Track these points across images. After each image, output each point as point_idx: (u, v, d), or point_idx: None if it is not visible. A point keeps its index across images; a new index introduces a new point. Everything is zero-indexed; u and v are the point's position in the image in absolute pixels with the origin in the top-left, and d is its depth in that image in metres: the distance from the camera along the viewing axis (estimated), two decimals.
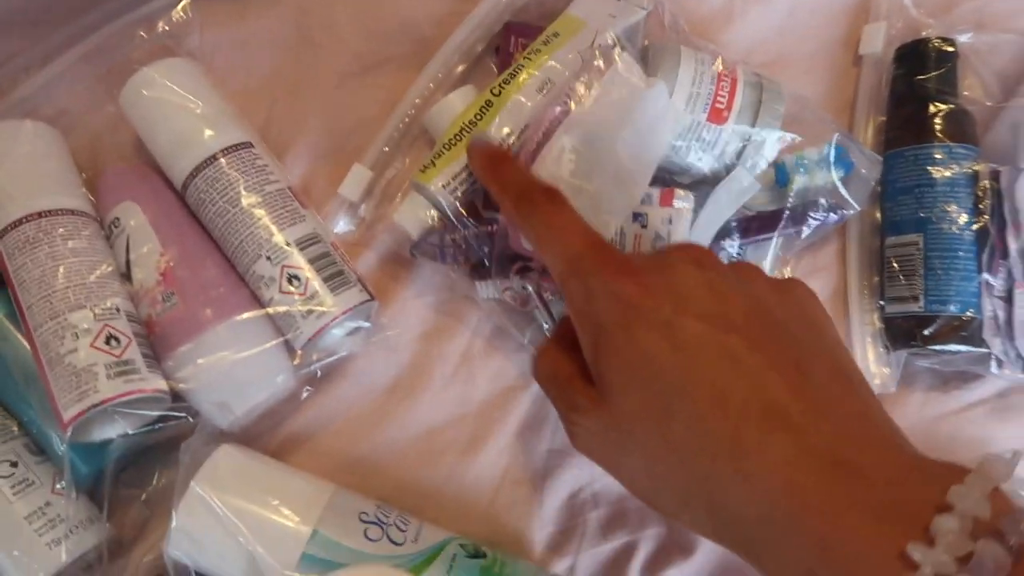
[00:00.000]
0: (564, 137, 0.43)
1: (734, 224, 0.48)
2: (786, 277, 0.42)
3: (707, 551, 0.47)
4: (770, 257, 0.49)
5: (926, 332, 0.46)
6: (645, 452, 0.31)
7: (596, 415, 0.32)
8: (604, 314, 0.32)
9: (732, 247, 0.47)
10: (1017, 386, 0.49)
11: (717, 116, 0.45)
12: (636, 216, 0.45)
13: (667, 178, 0.48)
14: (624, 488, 0.34)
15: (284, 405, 0.46)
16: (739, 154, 0.46)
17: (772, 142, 0.46)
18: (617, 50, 0.43)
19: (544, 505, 0.46)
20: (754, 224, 0.48)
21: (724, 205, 0.46)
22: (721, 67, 0.45)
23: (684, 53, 0.45)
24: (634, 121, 0.43)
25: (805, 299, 0.35)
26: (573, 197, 0.37)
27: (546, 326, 0.45)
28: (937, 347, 0.47)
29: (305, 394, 0.46)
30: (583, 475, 0.47)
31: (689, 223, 0.45)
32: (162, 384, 0.41)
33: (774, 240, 0.48)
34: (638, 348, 0.30)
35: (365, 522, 0.42)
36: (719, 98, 0.45)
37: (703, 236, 0.45)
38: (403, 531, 0.42)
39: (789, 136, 0.46)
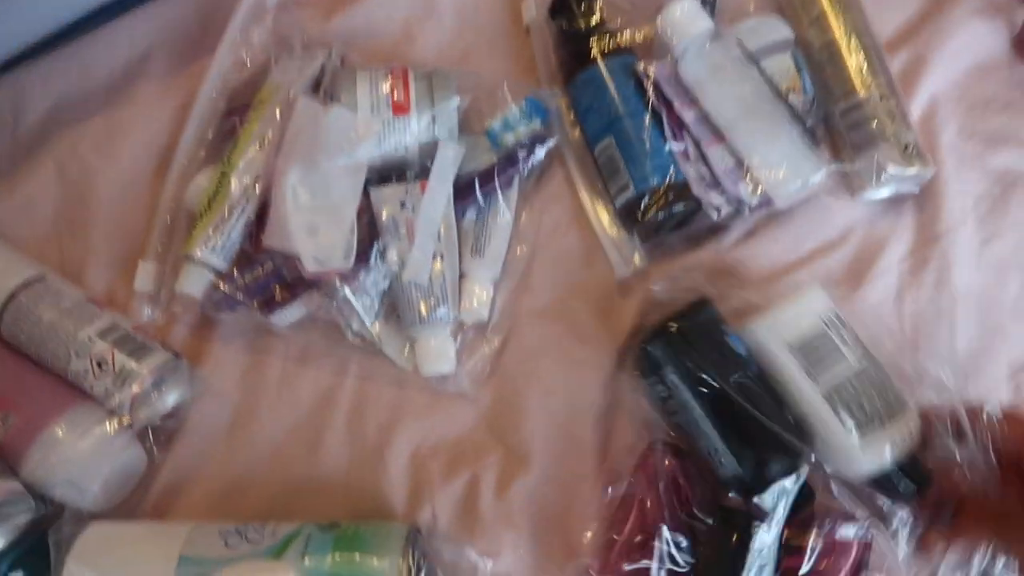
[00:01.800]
0: (287, 176, 0.52)
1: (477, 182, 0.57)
2: None
3: (541, 460, 0.53)
4: (514, 199, 0.58)
5: (643, 206, 0.54)
6: None
7: None
8: None
9: None
10: (758, 223, 0.58)
11: (400, 109, 0.54)
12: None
13: (396, 173, 0.57)
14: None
15: (145, 473, 0.53)
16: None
17: (450, 111, 0.55)
18: (294, 93, 0.53)
19: (390, 471, 0.54)
20: (480, 180, 0.57)
21: (444, 174, 0.55)
22: (391, 74, 0.55)
23: (359, 74, 0.55)
24: (329, 141, 0.53)
25: None
26: (310, 224, 0.48)
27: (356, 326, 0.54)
28: (660, 215, 0.54)
29: (158, 458, 0.53)
30: (415, 435, 0.54)
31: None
32: (14, 485, 0.48)
33: (502, 186, 0.57)
34: None
35: (227, 535, 0.49)
36: (396, 95, 0.54)
37: (435, 202, 0.54)
38: (260, 532, 0.49)
39: (461, 102, 0.55)
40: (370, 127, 0.54)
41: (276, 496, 0.54)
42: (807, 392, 0.48)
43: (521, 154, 0.58)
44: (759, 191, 0.56)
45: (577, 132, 0.60)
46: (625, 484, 0.52)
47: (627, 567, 0.49)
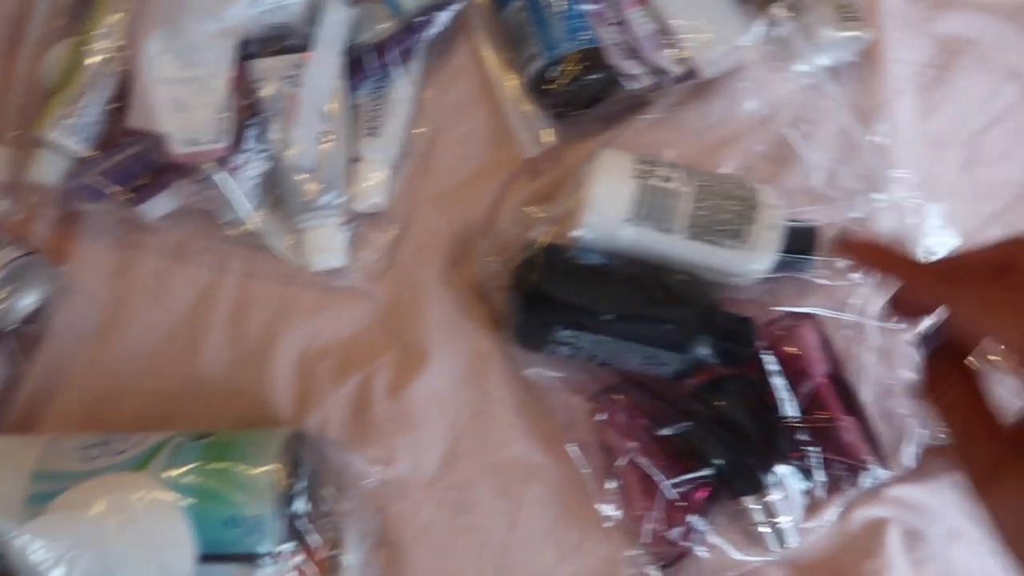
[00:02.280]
0: (147, 42, 0.47)
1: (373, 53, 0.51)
2: None
3: (441, 359, 0.49)
4: (416, 73, 0.52)
5: (552, 76, 0.49)
6: None
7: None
8: None
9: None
10: (682, 97, 0.52)
11: None
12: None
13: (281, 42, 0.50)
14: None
15: (7, 383, 0.48)
16: None
17: None
18: None
19: (277, 374, 0.49)
20: (377, 51, 0.51)
21: (331, 42, 0.49)
22: None
23: None
24: (194, 1, 0.46)
25: None
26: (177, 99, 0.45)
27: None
28: (572, 85, 0.49)
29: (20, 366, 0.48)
30: (304, 335, 0.50)
31: None
32: None
33: (402, 58, 0.51)
34: None
35: (87, 448, 0.44)
36: None
37: (322, 74, 0.49)
38: (124, 443, 0.44)
39: None
40: None
41: (152, 404, 0.49)
42: (675, 246, 0.46)
43: (423, 20, 0.51)
44: (683, 60, 0.51)
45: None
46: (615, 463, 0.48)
47: (674, 530, 0.47)
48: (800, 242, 0.48)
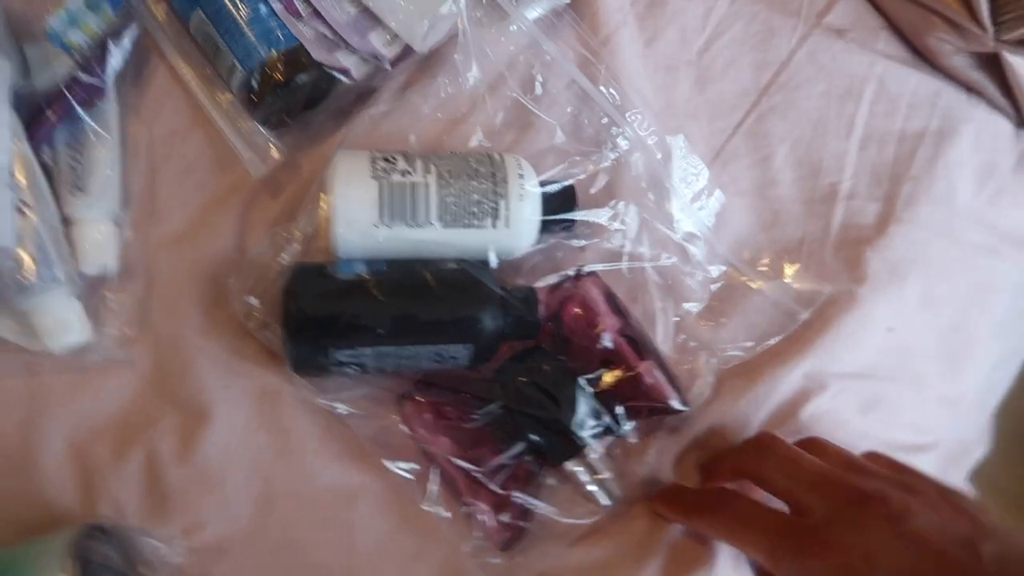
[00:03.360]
0: None
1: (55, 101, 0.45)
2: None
3: (224, 408, 0.47)
4: (113, 111, 0.48)
5: (256, 87, 0.45)
6: None
7: None
8: None
9: None
10: (411, 75, 0.51)
11: None
12: None
13: None
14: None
15: None
16: None
17: None
18: None
19: (47, 472, 0.46)
20: (50, 101, 0.46)
21: None
22: None
23: None
24: None
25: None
26: None
27: None
28: (279, 93, 0.46)
29: None
30: (67, 423, 0.46)
31: None
32: None
33: (87, 100, 0.46)
34: None
35: None
36: None
37: None
38: None
39: None
40: None
41: None
42: (433, 238, 0.45)
43: (100, 53, 0.46)
44: (393, 39, 0.48)
45: (164, 9, 0.49)
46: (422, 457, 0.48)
47: (504, 515, 0.47)
48: (558, 204, 0.48)
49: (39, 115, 0.46)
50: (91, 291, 0.47)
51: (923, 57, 0.59)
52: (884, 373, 0.54)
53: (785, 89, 0.56)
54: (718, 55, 0.56)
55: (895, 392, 0.54)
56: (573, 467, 0.47)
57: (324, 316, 0.44)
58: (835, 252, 0.55)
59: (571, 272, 0.50)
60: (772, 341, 0.52)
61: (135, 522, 0.46)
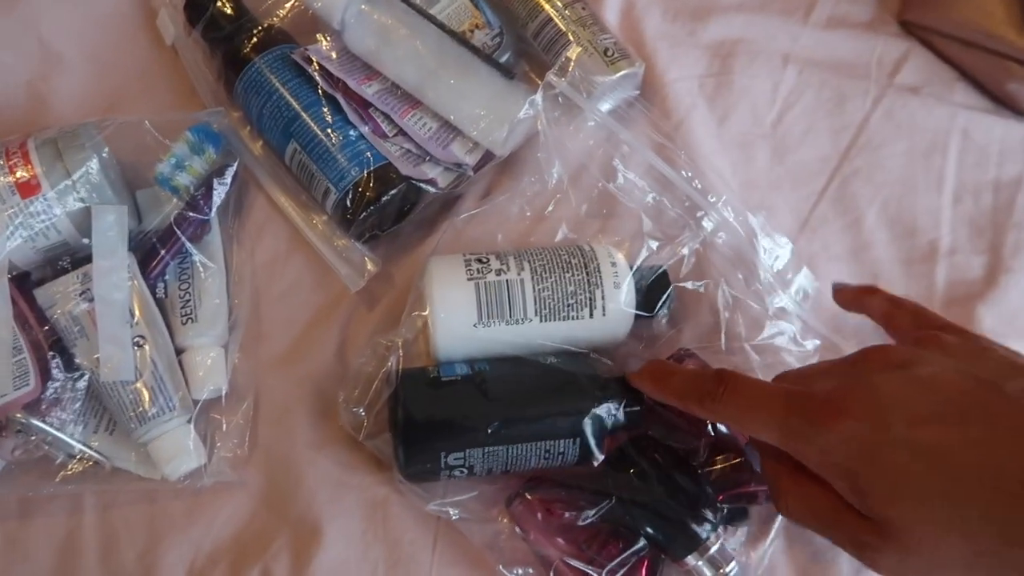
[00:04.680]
0: None
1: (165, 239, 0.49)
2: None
3: (336, 523, 0.47)
4: (218, 244, 0.51)
5: (350, 206, 0.48)
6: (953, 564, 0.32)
7: (891, 549, 0.34)
8: (848, 460, 0.34)
9: None
10: (492, 180, 0.54)
11: (28, 189, 0.45)
12: None
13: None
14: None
15: None
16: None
17: (93, 171, 0.46)
18: None
19: None
20: (161, 239, 0.49)
21: (108, 245, 0.47)
22: (5, 152, 0.46)
23: None
24: None
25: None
26: None
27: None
28: (371, 209, 0.48)
29: None
30: (185, 549, 0.48)
31: None
32: None
33: (194, 235, 0.49)
34: (896, 478, 0.32)
35: None
36: (18, 174, 0.45)
37: (110, 280, 0.46)
38: None
39: (107, 155, 0.48)
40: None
41: None
42: (532, 333, 0.46)
43: (204, 191, 0.50)
44: (474, 147, 0.50)
45: (260, 144, 0.52)
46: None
47: None
48: (653, 289, 0.48)
49: (152, 253, 0.49)
50: (203, 415, 0.49)
51: (1005, 104, 0.58)
52: None
53: (866, 151, 0.56)
54: (793, 125, 0.56)
55: None
56: (695, 561, 0.45)
57: (433, 420, 0.44)
58: (944, 312, 0.52)
59: (673, 355, 0.49)
60: None
61: None
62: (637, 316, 0.48)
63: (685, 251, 0.51)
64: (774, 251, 0.51)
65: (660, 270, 0.49)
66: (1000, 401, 0.33)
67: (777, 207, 0.54)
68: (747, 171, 0.55)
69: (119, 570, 0.47)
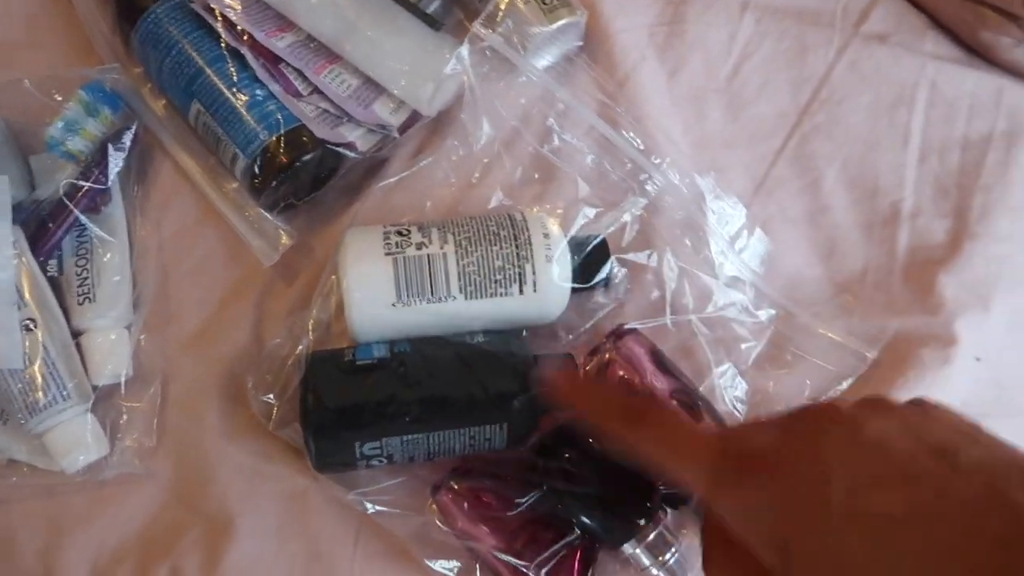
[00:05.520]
0: None
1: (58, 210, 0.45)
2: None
3: (251, 517, 0.44)
4: (120, 215, 0.47)
5: (259, 173, 0.44)
6: None
7: None
8: (779, 525, 0.29)
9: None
10: (422, 141, 0.49)
11: None
12: None
13: None
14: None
15: None
16: None
17: None
18: None
19: None
20: (52, 213, 0.45)
21: None
22: None
23: None
24: None
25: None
26: None
27: None
28: (283, 177, 0.44)
29: None
30: (89, 545, 0.44)
31: None
32: None
33: (90, 207, 0.45)
34: (832, 552, 0.28)
35: None
36: None
37: None
38: None
39: None
40: None
41: None
42: (457, 312, 0.42)
43: (102, 157, 0.45)
44: (399, 106, 0.46)
45: (163, 104, 0.48)
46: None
47: None
48: (590, 261, 0.45)
49: (43, 227, 0.45)
50: (105, 402, 0.45)
51: (978, 54, 0.54)
52: (977, 409, 0.47)
53: (828, 105, 0.52)
54: (749, 78, 0.52)
55: (994, 428, 0.48)
56: (632, 549, 0.43)
57: (345, 407, 0.41)
58: (904, 279, 0.50)
59: (612, 332, 0.46)
60: (843, 385, 0.47)
61: None
62: (574, 290, 0.44)
63: (627, 218, 0.47)
64: (725, 214, 0.48)
65: (599, 239, 0.45)
66: (951, 472, 0.29)
67: (731, 167, 0.51)
68: (699, 128, 0.51)
69: (18, 568, 0.44)
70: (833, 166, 0.51)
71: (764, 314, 0.47)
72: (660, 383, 0.45)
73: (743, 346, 0.47)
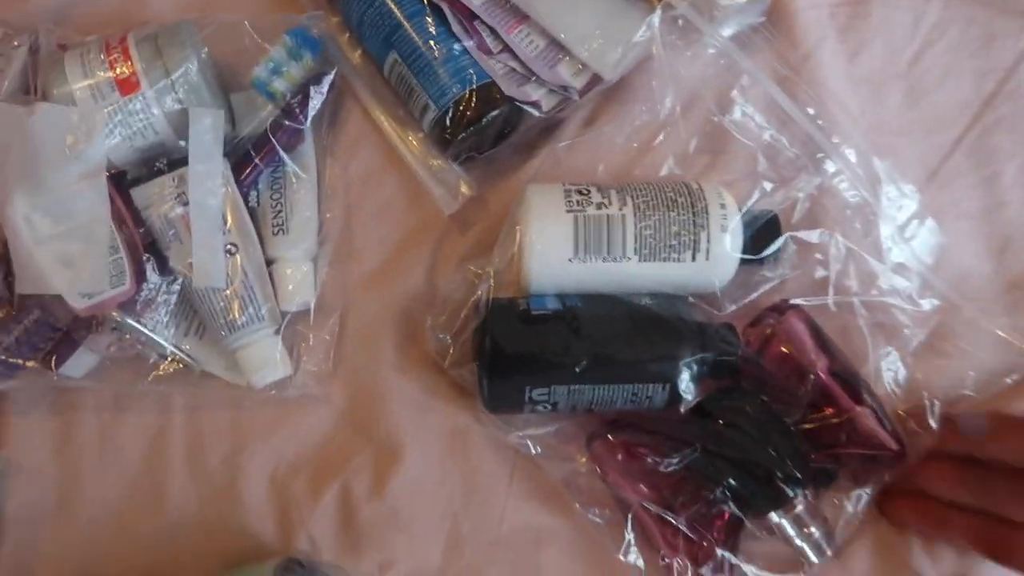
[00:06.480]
0: (13, 207, 0.43)
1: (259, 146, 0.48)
2: None
3: (417, 446, 0.48)
4: (311, 155, 0.50)
5: (449, 124, 0.46)
6: None
7: None
8: None
9: None
10: (596, 106, 0.51)
11: (128, 86, 0.45)
12: None
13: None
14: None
15: None
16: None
17: (192, 71, 0.45)
18: None
19: (250, 504, 0.48)
20: (256, 146, 0.48)
21: (205, 149, 0.46)
22: (105, 47, 0.45)
23: (67, 56, 0.45)
24: (47, 149, 0.44)
25: None
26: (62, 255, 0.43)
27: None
28: (472, 129, 0.46)
29: None
30: (269, 456, 0.49)
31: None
32: None
33: (288, 144, 0.48)
34: None
35: None
36: (118, 70, 0.45)
37: (205, 185, 0.46)
38: None
39: (207, 55, 0.47)
40: (94, 119, 0.44)
41: (132, 567, 0.48)
42: (629, 272, 0.44)
43: (301, 99, 0.48)
44: (582, 70, 0.48)
45: (359, 54, 0.51)
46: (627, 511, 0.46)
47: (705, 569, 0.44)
48: (761, 235, 0.46)
49: (245, 160, 0.48)
50: (291, 328, 0.49)
51: None
52: None
53: (1013, 98, 0.51)
54: (932, 65, 0.52)
55: None
56: (779, 519, 0.44)
57: (520, 354, 0.43)
58: None
59: (774, 307, 0.47)
60: (1008, 380, 0.46)
61: (329, 557, 0.47)
62: (742, 262, 0.45)
63: (800, 195, 0.47)
64: (898, 200, 0.48)
65: (771, 215, 0.46)
66: None
67: (905, 154, 0.50)
68: (876, 112, 0.51)
69: (204, 471, 0.48)
70: (1014, 162, 0.50)
71: (928, 304, 0.47)
72: (820, 360, 0.45)
73: (905, 332, 0.47)
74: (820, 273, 0.47)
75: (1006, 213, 0.50)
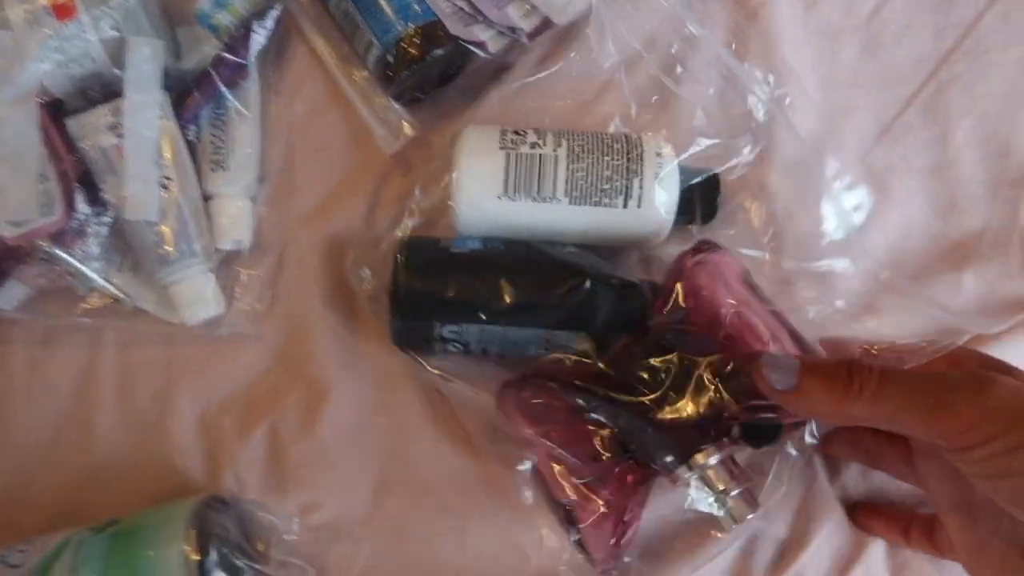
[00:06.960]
0: None
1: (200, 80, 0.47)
2: None
3: (346, 388, 0.48)
4: (254, 91, 0.49)
5: (392, 63, 0.45)
6: None
7: None
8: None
9: None
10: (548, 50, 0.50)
11: (64, 11, 0.44)
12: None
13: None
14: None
15: None
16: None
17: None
18: None
19: (179, 440, 0.48)
20: (197, 80, 0.47)
21: (143, 80, 0.46)
22: None
23: None
24: None
25: None
26: None
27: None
28: (414, 68, 0.46)
29: None
30: (200, 393, 0.48)
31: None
32: None
33: (230, 80, 0.48)
34: None
35: None
36: None
37: (142, 117, 0.45)
38: (25, 552, 0.42)
39: None
40: (26, 43, 0.44)
41: (57, 500, 0.48)
42: (559, 214, 0.43)
43: (244, 33, 0.48)
44: (532, 11, 0.47)
45: None
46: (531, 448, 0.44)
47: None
48: (698, 191, 0.45)
49: (186, 94, 0.48)
50: (225, 266, 0.48)
51: None
52: None
53: (971, 56, 0.50)
54: (891, 19, 0.51)
55: None
56: (684, 473, 0.41)
57: (430, 289, 0.43)
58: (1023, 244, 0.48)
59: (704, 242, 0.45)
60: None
61: (255, 496, 0.47)
62: (677, 219, 0.44)
63: (743, 154, 0.47)
64: (839, 163, 0.47)
65: (712, 172, 0.45)
66: None
67: (858, 108, 0.50)
68: (830, 65, 0.50)
69: (134, 406, 0.48)
70: (966, 120, 0.50)
71: (861, 266, 0.47)
72: (742, 299, 0.44)
73: (834, 295, 0.46)
74: (756, 235, 0.47)
75: (955, 172, 0.49)
